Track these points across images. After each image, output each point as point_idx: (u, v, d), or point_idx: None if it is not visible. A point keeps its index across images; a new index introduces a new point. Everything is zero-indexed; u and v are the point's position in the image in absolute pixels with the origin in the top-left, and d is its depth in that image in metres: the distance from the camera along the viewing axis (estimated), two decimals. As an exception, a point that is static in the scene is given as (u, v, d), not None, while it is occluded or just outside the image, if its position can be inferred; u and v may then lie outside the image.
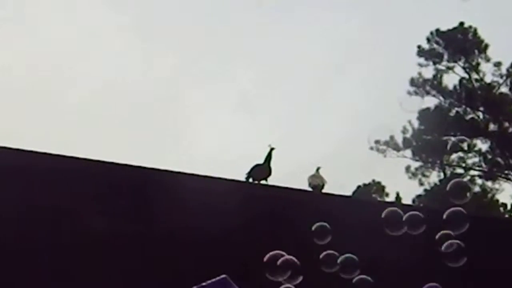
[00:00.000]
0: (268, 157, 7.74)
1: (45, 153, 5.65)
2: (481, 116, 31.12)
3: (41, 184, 5.53)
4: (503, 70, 31.21)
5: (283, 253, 4.13)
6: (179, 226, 5.73)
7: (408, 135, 31.45)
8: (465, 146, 4.79)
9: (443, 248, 4.15)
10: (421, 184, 31.21)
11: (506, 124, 30.72)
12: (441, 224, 4.23)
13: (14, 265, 5.24)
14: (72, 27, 34.18)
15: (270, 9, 36.66)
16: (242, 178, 7.67)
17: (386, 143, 31.37)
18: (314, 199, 6.75)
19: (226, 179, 6.17)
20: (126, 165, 5.83)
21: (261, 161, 7.74)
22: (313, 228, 4.25)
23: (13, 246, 5.28)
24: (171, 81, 35.52)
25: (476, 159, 31.32)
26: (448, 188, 4.29)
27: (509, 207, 30.05)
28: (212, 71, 35.66)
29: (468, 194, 4.30)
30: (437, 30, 31.82)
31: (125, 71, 33.82)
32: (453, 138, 30.07)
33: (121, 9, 35.30)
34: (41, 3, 32.92)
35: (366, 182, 33.30)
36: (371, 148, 31.25)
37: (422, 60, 31.74)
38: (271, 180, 7.58)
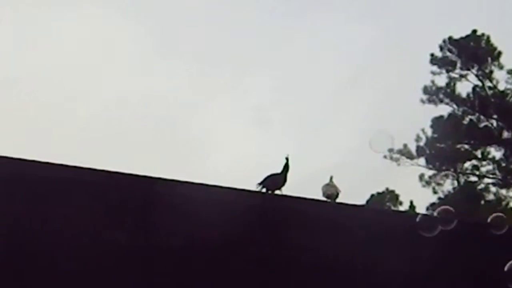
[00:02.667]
0: (286, 167, 7.72)
1: (54, 164, 5.66)
2: (494, 124, 31.02)
3: (47, 195, 5.54)
4: (516, 77, 31.13)
5: None
6: (188, 236, 5.74)
7: (421, 144, 31.38)
8: None
9: None
10: (435, 192, 31.15)
11: (520, 131, 30.60)
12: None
13: (19, 276, 5.26)
14: (88, 37, 34.34)
15: (285, 22, 36.75)
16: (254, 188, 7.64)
17: (400, 152, 31.32)
18: (328, 209, 6.75)
19: (237, 189, 6.16)
20: (134, 175, 5.84)
21: (275, 170, 7.72)
22: None
23: (17, 257, 5.30)
24: (186, 92, 35.63)
25: (490, 167, 31.23)
26: None
27: (523, 215, 29.90)
28: (227, 82, 35.74)
29: None
30: (450, 38, 31.78)
31: (139, 82, 33.92)
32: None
33: (136, 20, 35.45)
34: (54, 14, 33.09)
35: (380, 190, 33.26)
36: (385, 157, 31.23)
37: (435, 68, 31.73)
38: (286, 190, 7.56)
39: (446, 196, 30.77)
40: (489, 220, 4.38)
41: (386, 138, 4.44)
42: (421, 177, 31.28)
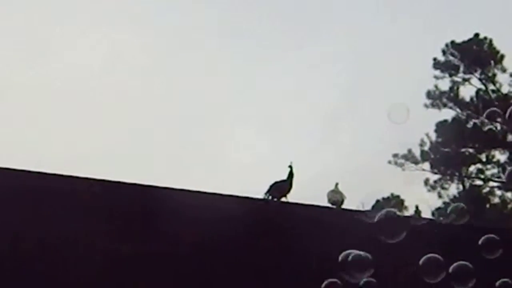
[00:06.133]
0: (290, 174, 7.77)
1: (56, 174, 5.69)
2: (498, 127, 31.02)
3: (49, 206, 5.57)
4: (520, 80, 31.17)
5: None
6: (192, 244, 5.76)
7: (426, 148, 31.40)
8: None
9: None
10: (440, 196, 31.15)
11: (524, 134, 30.61)
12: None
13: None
14: (95, 46, 34.39)
15: (291, 26, 36.83)
16: (261, 195, 7.68)
17: (404, 157, 31.34)
18: (334, 216, 6.77)
19: (241, 197, 6.19)
20: (136, 184, 5.87)
21: (281, 177, 7.76)
22: None
23: (21, 269, 5.33)
24: (194, 101, 35.65)
25: (495, 170, 31.21)
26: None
27: (529, 217, 29.87)
28: (235, 85, 35.77)
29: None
30: (452, 42, 31.81)
31: (146, 91, 33.96)
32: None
33: (143, 30, 35.51)
34: (62, 22, 33.18)
35: (385, 196, 33.25)
36: (389, 162, 31.24)
37: (438, 72, 31.76)
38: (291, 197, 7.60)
39: (451, 200, 30.76)
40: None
41: (402, 110, 4.52)
42: (426, 181, 31.31)
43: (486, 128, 30.95)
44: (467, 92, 31.54)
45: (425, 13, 36.67)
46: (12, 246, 5.33)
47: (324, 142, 36.44)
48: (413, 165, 31.38)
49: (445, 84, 31.69)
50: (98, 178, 5.75)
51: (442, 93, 31.56)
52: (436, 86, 31.65)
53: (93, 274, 5.41)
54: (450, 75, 31.67)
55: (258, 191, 7.69)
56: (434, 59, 31.73)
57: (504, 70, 31.41)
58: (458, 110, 31.46)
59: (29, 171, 5.59)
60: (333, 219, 6.36)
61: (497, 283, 4.27)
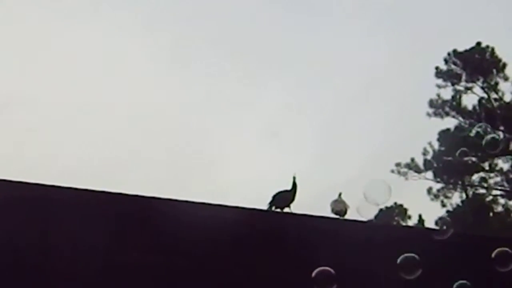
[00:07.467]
0: (294, 185, 7.76)
1: (63, 187, 5.69)
2: (501, 135, 31.00)
3: (58, 217, 5.58)
4: (522, 88, 31.18)
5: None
6: (190, 254, 5.76)
7: (428, 157, 31.38)
8: None
9: None
10: (444, 205, 31.11)
11: (527, 142, 30.60)
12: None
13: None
14: (99, 52, 34.49)
15: (293, 37, 36.92)
16: (264, 205, 7.67)
17: (407, 166, 31.32)
18: (337, 225, 6.76)
19: (244, 208, 6.19)
20: (135, 195, 5.87)
21: (284, 187, 7.74)
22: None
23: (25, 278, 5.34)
24: (197, 109, 35.71)
25: (498, 179, 31.19)
26: None
27: (533, 226, 29.82)
28: (237, 98, 35.84)
29: None
30: (454, 51, 31.85)
31: (151, 98, 34.01)
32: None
33: (146, 40, 35.59)
34: (70, 29, 33.28)
35: (388, 205, 33.20)
36: (392, 171, 31.23)
37: (440, 81, 31.79)
38: (295, 208, 7.58)
39: (454, 209, 30.72)
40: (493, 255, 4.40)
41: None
42: (429, 190, 31.28)
43: (488, 137, 30.89)
44: (469, 100, 31.61)
45: (427, 22, 36.76)
46: (13, 256, 5.35)
47: (327, 152, 36.46)
48: (416, 174, 31.38)
49: (447, 93, 31.77)
50: (98, 189, 5.76)
51: (445, 102, 31.58)
52: (438, 95, 31.71)
53: (93, 285, 5.42)
54: (453, 84, 31.70)
55: (262, 202, 7.68)
56: (436, 68, 31.80)
57: (506, 79, 31.45)
58: (460, 118, 31.48)
59: (33, 184, 5.60)
60: (337, 229, 6.36)
61: None
